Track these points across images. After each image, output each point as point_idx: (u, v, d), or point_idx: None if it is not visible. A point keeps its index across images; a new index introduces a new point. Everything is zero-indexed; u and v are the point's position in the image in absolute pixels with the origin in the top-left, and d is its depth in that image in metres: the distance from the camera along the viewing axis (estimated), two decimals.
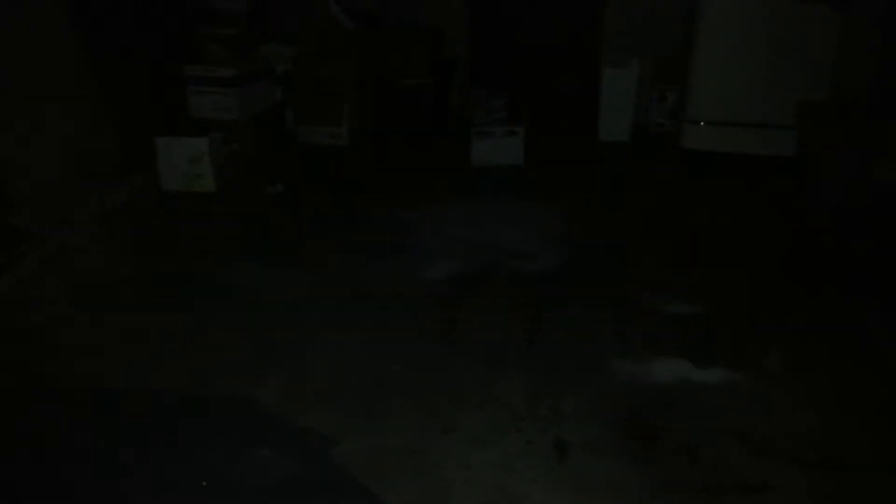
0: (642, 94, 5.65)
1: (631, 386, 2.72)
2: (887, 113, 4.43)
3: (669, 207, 4.47)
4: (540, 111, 5.35)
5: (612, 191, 4.79)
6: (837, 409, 2.60)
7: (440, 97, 5.72)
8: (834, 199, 4.24)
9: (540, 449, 2.36)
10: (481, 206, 4.38)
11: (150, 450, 2.33)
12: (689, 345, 2.95)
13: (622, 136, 5.60)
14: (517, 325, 3.10)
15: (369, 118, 5.51)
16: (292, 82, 5.46)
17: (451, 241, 3.87)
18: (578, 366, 2.82)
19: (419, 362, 2.82)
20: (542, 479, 2.24)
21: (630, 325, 3.11)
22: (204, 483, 2.18)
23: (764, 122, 4.92)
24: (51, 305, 3.19)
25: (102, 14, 4.33)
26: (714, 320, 3.19)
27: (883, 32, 5.23)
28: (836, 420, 2.54)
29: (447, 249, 3.76)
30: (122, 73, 4.42)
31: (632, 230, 4.13)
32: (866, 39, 5.14)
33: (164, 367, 2.78)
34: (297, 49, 5.49)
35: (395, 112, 5.51)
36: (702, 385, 2.72)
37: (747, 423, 2.50)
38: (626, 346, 2.96)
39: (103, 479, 2.22)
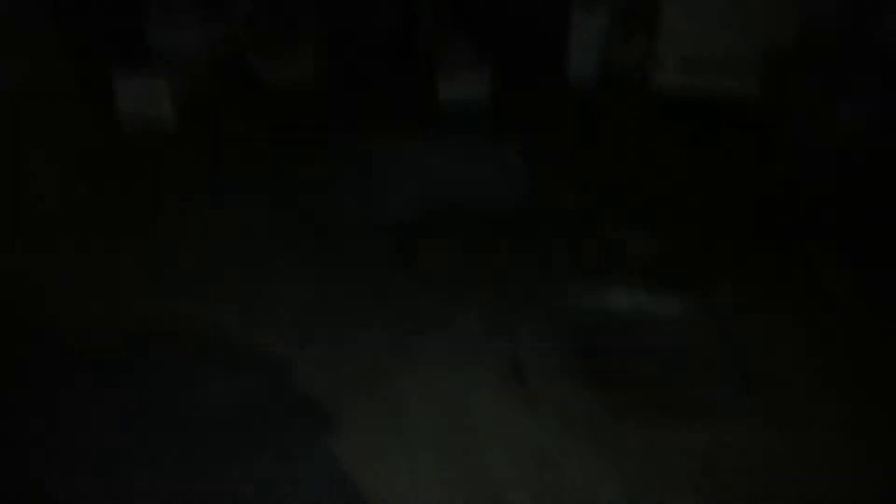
0: (612, 34, 5.61)
1: (587, 315, 2.77)
2: (851, 57, 4.48)
3: (636, 146, 4.49)
4: (508, 49, 5.30)
5: (578, 128, 4.80)
6: (782, 339, 2.68)
7: (407, 33, 5.63)
8: (799, 140, 4.29)
9: (496, 372, 2.41)
10: (446, 141, 4.36)
11: (119, 376, 2.35)
12: (646, 277, 3.00)
13: (590, 76, 5.58)
14: (478, 257, 3.13)
15: (334, 54, 5.42)
16: (255, 20, 5.34)
17: (416, 175, 3.87)
18: (537, 296, 2.87)
19: (380, 291, 2.85)
20: (498, 401, 2.30)
21: (589, 258, 3.15)
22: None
23: (733, 60, 4.93)
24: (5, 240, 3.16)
25: None
26: (673, 255, 3.24)
27: None
28: (778, 347, 2.62)
29: (411, 184, 3.76)
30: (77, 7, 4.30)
31: (596, 168, 4.15)
32: None
33: (124, 297, 2.77)
34: None
35: (361, 47, 5.42)
36: (656, 315, 2.78)
37: (697, 351, 2.57)
38: (584, 277, 3.00)
39: (68, 407, 2.23)
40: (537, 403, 2.31)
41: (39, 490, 2.04)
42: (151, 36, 4.89)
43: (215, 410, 2.22)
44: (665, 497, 2.05)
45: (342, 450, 2.12)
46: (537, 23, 5.39)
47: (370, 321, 2.65)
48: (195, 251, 3.11)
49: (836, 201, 3.74)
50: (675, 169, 4.13)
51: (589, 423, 2.24)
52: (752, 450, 2.17)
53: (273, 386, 2.33)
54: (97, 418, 2.21)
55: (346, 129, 4.50)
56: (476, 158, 4.15)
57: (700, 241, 3.36)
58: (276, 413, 2.24)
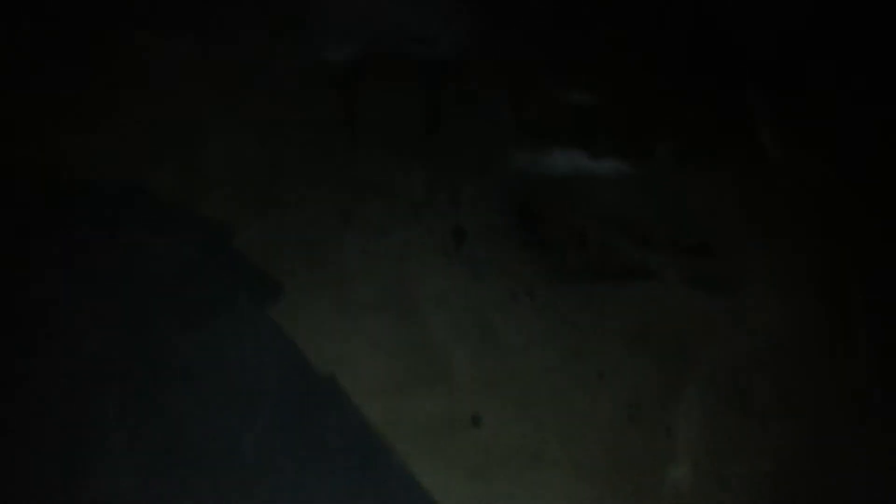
0: None
1: (528, 175, 2.77)
2: None
3: None
4: None
5: None
6: (717, 197, 2.75)
7: None
8: None
9: (437, 237, 2.42)
10: None
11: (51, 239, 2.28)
12: (587, 135, 2.99)
13: None
14: (416, 111, 3.06)
15: None
16: None
17: (352, 21, 3.68)
18: (477, 155, 2.83)
19: (317, 150, 2.78)
20: (439, 265, 2.33)
21: (530, 114, 3.11)
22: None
23: None
24: None
25: None
26: (613, 111, 3.22)
27: None
28: (716, 210, 2.69)
29: (347, 28, 3.58)
30: None
31: (541, 16, 4.01)
32: None
33: (51, 145, 2.63)
34: None
35: None
36: (595, 175, 2.80)
37: (634, 212, 2.62)
38: (525, 134, 2.97)
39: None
40: (477, 266, 2.35)
41: None
42: None
43: (154, 277, 2.19)
44: (602, 358, 2.17)
45: (286, 316, 2.14)
46: None
47: (310, 183, 2.60)
48: (120, 98, 2.94)
49: (774, 53, 3.73)
50: (619, 17, 4.02)
51: (527, 285, 2.30)
52: (684, 313, 2.28)
53: (213, 253, 2.29)
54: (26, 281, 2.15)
55: None
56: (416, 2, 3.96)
57: (639, 97, 3.35)
58: (218, 280, 2.22)
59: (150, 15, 3.44)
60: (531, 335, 2.20)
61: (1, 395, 2.01)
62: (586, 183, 2.76)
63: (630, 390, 2.19)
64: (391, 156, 2.80)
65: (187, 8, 3.57)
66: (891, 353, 2.26)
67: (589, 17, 4.00)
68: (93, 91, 2.97)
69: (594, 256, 2.43)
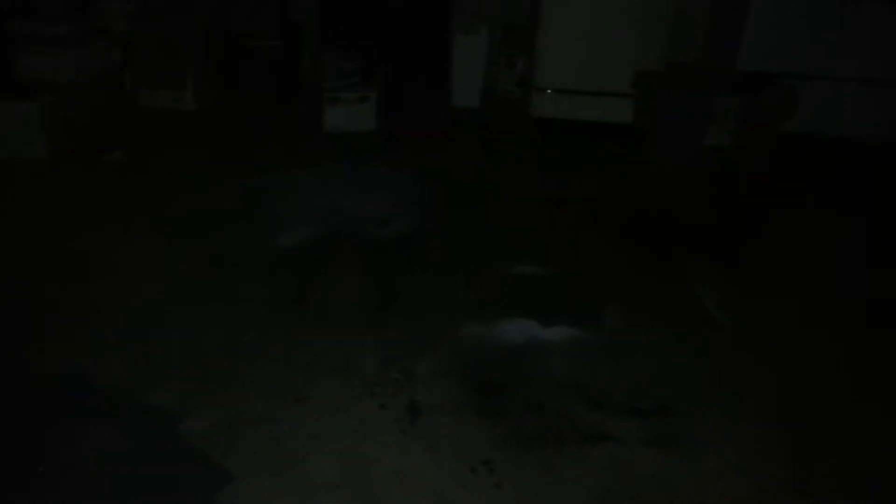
0: (492, 62, 5.74)
1: (481, 347, 2.80)
2: (714, 84, 4.75)
3: (519, 173, 4.60)
4: (393, 77, 5.33)
5: (463, 157, 4.86)
6: (672, 361, 2.79)
7: (290, 60, 5.58)
8: (668, 161, 4.50)
9: (392, 412, 2.40)
10: (334, 171, 4.33)
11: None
12: (536, 305, 3.07)
13: (473, 102, 5.68)
14: (369, 289, 3.12)
15: (216, 81, 5.30)
16: (132, 42, 5.16)
17: (304, 207, 3.82)
18: (430, 328, 2.88)
19: (270, 330, 2.79)
20: (395, 442, 2.28)
21: (481, 287, 3.20)
22: (41, 469, 2.08)
23: (606, 90, 5.13)
24: None
25: None
26: (560, 281, 3.33)
27: (711, 9, 5.58)
28: (670, 371, 2.73)
29: (300, 216, 3.71)
30: None
31: (482, 195, 4.21)
32: (696, 16, 5.48)
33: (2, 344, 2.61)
34: (137, 6, 5.19)
35: (244, 75, 5.33)
36: (548, 343, 2.84)
37: (589, 377, 2.64)
38: (476, 307, 3.04)
39: None
40: (434, 440, 2.31)
41: None
42: (23, 63, 4.69)
43: (101, 469, 2.11)
44: None
45: (240, 500, 2.05)
46: (421, 46, 5.44)
47: (264, 364, 2.59)
48: (72, 292, 2.95)
49: (706, 217, 3.94)
50: (560, 195, 4.25)
51: (485, 457, 2.26)
52: (646, 477, 2.24)
53: (162, 441, 2.23)
54: None
55: (230, 160, 4.40)
56: (366, 186, 4.14)
57: (588, 266, 3.47)
58: (167, 470, 2.14)
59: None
60: None
61: None
62: (540, 351, 2.79)
63: None
64: (343, 331, 2.82)
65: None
66: None
67: (530, 198, 4.23)
68: (35, 274, 3.01)
69: (552, 423, 2.42)
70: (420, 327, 2.88)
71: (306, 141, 4.84)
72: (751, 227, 3.90)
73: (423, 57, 5.42)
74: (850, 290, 3.38)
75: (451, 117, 5.55)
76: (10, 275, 3.08)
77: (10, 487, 2.04)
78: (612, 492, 2.17)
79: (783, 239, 3.88)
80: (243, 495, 2.06)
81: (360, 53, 5.27)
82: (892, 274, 3.57)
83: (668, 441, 2.37)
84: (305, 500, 2.07)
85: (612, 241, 3.73)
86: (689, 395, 2.60)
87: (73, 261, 3.18)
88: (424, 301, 3.08)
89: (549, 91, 5.19)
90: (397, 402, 2.44)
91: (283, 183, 4.09)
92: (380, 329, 2.86)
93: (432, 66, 5.49)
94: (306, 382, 2.51)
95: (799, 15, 4.98)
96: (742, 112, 4.16)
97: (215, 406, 2.37)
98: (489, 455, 2.25)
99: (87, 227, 3.47)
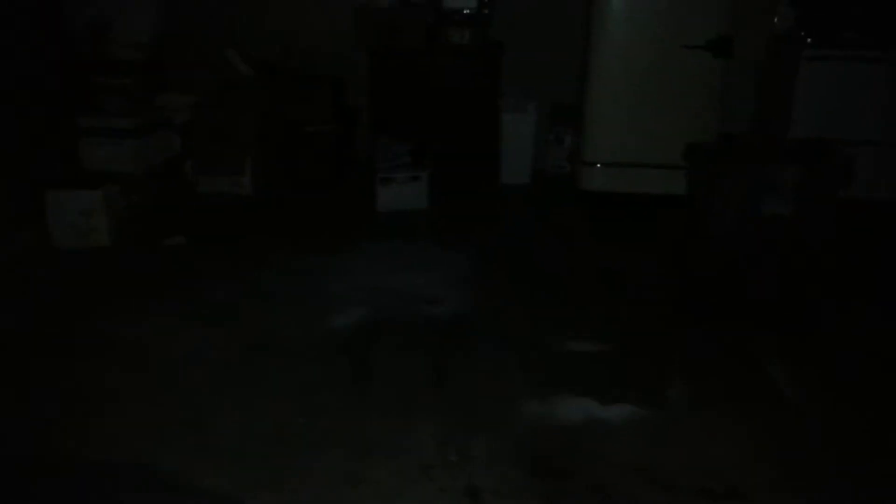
0: (540, 138, 5.79)
1: (539, 427, 2.74)
2: (771, 153, 4.69)
3: (571, 248, 4.57)
4: (443, 156, 5.41)
5: (514, 233, 4.87)
6: (741, 441, 2.68)
7: (344, 144, 5.71)
8: (725, 232, 4.42)
9: (452, 496, 2.34)
10: (387, 251, 4.37)
11: None
12: (594, 383, 3.00)
13: (523, 178, 5.71)
14: (425, 369, 3.09)
15: (273, 166, 5.45)
16: (192, 131, 5.36)
17: (359, 287, 3.85)
18: (487, 408, 2.83)
19: (326, 412, 2.78)
20: None
21: (536, 366, 3.15)
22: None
23: (656, 162, 5.11)
24: None
25: None
26: (618, 358, 3.26)
27: (758, 79, 5.58)
28: (739, 452, 2.62)
29: (355, 296, 3.73)
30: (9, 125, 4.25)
31: (535, 272, 4.19)
32: (742, 84, 5.47)
33: (58, 432, 2.64)
34: (196, 97, 5.40)
35: (299, 160, 5.47)
36: (608, 422, 2.77)
37: (654, 458, 2.55)
38: (533, 386, 2.98)
39: None
40: None
41: None
42: (84, 150, 4.90)
43: None
44: None
45: None
46: (470, 125, 5.53)
47: (319, 449, 2.57)
48: (129, 379, 2.99)
49: (767, 290, 3.83)
50: (614, 269, 4.20)
51: None
52: None
53: None
54: None
55: (286, 242, 4.47)
56: (417, 267, 4.15)
57: (646, 341, 3.40)
58: None
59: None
60: None
61: None
62: (601, 431, 2.71)
63: None
64: (399, 412, 2.79)
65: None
66: None
67: (583, 272, 4.19)
68: (92, 358, 3.05)
69: None
70: (475, 407, 2.84)
71: (359, 221, 4.91)
72: (817, 301, 3.79)
73: (472, 136, 5.50)
74: None
75: (501, 193, 5.58)
76: (53, 357, 3.14)
77: None
78: None
79: (852, 312, 3.75)
80: None
81: (410, 135, 5.37)
82: None
83: None
84: None
85: (671, 315, 3.65)
86: (759, 476, 2.49)
87: (127, 347, 3.23)
88: (479, 380, 3.04)
89: (597, 165, 5.19)
90: (456, 485, 2.39)
91: (337, 263, 4.14)
92: (434, 409, 2.82)
93: (481, 145, 5.57)
94: (363, 466, 2.47)
95: (846, 81, 4.97)
96: (802, 180, 4.07)
97: (271, 491, 2.35)
98: None
99: (142, 311, 3.54)
